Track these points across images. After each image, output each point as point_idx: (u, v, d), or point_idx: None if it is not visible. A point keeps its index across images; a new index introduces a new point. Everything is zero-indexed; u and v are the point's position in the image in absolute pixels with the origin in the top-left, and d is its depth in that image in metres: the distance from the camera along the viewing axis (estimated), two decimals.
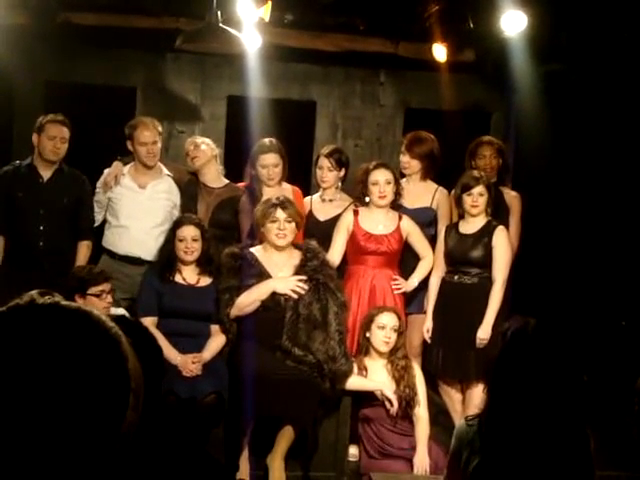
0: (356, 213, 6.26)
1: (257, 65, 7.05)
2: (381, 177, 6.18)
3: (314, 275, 5.78)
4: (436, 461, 5.51)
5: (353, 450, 5.94)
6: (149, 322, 5.60)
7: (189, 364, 5.63)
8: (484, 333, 5.95)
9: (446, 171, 6.71)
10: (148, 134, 6.37)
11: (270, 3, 6.31)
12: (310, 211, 6.54)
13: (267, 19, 6.30)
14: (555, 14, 6.86)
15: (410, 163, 6.60)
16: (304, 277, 5.74)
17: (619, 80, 7.49)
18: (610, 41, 7.10)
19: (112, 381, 1.29)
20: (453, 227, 6.27)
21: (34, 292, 1.34)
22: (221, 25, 5.76)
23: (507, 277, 6.12)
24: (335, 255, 6.15)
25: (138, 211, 6.36)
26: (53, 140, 6.21)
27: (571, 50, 7.31)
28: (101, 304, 5.39)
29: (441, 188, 6.62)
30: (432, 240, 6.43)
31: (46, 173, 6.29)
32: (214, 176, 6.57)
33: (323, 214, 6.53)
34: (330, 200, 6.55)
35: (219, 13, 5.94)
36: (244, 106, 7.31)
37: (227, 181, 6.63)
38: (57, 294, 1.35)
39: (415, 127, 7.09)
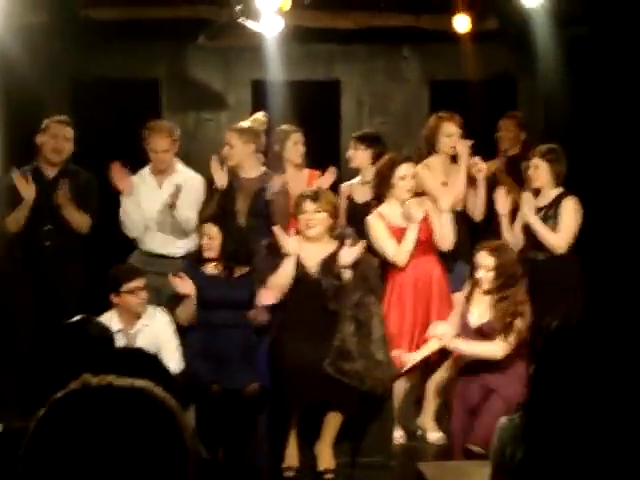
0: (380, 216, 6.08)
1: (279, 48, 7.04)
2: (408, 171, 6.09)
3: (354, 269, 5.69)
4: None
5: (397, 434, 5.96)
6: None
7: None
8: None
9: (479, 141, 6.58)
10: (160, 142, 6.25)
11: None
12: (349, 195, 6.56)
13: (287, 8, 6.26)
14: None
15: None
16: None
17: None
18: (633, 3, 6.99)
19: (172, 454, 1.33)
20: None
21: (87, 375, 1.37)
22: (240, 21, 5.74)
23: (569, 246, 5.97)
24: (394, 251, 5.99)
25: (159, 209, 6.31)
26: (55, 138, 6.24)
27: (594, 13, 7.21)
28: (135, 300, 5.40)
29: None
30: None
31: (51, 173, 6.31)
32: (251, 167, 6.43)
33: (362, 196, 6.49)
34: (368, 182, 6.48)
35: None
36: (269, 90, 7.30)
37: (264, 169, 6.46)
38: (112, 375, 1.38)
39: (442, 100, 7.03)
